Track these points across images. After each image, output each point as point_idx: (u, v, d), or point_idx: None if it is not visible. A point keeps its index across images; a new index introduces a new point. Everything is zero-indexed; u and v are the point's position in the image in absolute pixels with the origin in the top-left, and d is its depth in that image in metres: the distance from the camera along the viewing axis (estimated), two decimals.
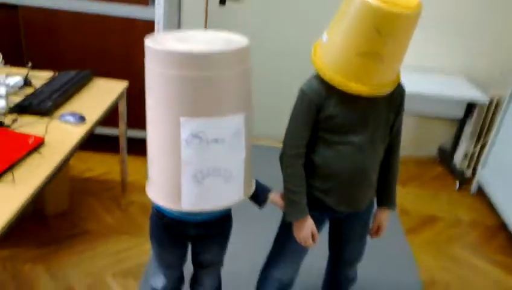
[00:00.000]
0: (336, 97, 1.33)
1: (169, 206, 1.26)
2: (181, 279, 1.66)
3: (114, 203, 2.47)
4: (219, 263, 1.59)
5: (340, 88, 1.29)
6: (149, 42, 1.17)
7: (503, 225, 2.57)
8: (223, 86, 1.16)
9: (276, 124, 3.21)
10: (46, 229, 2.24)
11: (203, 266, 1.57)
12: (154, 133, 1.25)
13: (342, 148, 1.39)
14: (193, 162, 1.20)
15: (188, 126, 1.16)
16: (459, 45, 3.01)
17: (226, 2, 2.96)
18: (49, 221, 2.30)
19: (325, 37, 1.34)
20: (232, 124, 1.20)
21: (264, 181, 1.47)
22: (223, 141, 1.19)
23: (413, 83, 2.88)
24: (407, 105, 3.22)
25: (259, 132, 3.17)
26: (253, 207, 1.49)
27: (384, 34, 1.19)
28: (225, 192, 1.25)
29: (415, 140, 3.32)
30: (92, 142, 2.68)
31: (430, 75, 3.03)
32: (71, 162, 2.71)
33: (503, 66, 2.96)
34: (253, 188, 1.35)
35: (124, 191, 2.41)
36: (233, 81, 1.18)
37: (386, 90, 1.32)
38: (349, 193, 1.46)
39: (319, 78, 1.34)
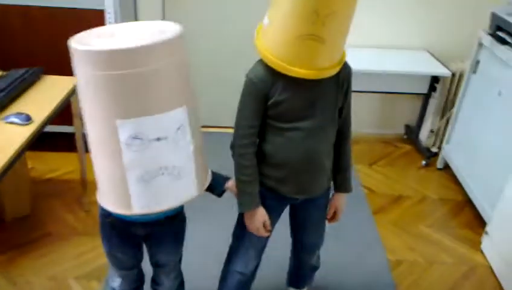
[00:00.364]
0: (282, 82, 1.30)
1: (119, 212, 1.21)
2: (139, 279, 1.62)
3: (76, 204, 2.41)
4: (176, 262, 1.56)
5: (284, 72, 1.25)
6: (72, 42, 1.10)
7: (469, 200, 2.60)
8: (156, 81, 1.10)
9: (226, 111, 3.20)
10: (5, 234, 2.18)
11: (160, 265, 1.54)
12: (93, 138, 1.19)
13: (292, 135, 1.36)
14: (137, 165, 1.15)
15: (125, 128, 1.10)
16: (419, 20, 3.00)
17: None
18: (9, 226, 2.23)
19: (266, 20, 1.30)
20: (174, 119, 1.14)
21: (217, 169, 1.43)
22: (166, 138, 1.14)
23: (376, 61, 2.89)
24: (372, 84, 3.24)
25: (210, 120, 3.18)
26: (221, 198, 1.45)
27: (322, 14, 1.16)
28: (177, 190, 1.20)
29: (381, 119, 3.33)
30: (53, 141, 2.60)
31: (392, 52, 3.02)
32: (32, 164, 2.64)
33: (464, 39, 2.96)
34: (207, 181, 1.31)
35: (85, 191, 2.35)
36: (167, 75, 1.11)
37: (331, 72, 1.29)
38: (302, 180, 1.44)
39: (263, 64, 1.31)
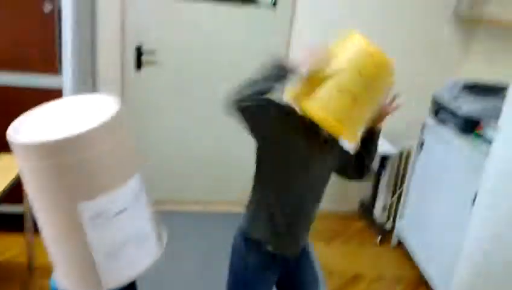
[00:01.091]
0: (299, 130, 1.39)
1: None
2: None
3: None
4: None
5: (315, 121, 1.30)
6: (10, 133, 1.09)
7: (424, 279, 2.62)
8: (108, 160, 1.12)
9: (182, 185, 3.22)
10: None
11: None
12: (50, 225, 1.17)
13: (293, 188, 1.45)
14: (103, 242, 1.15)
15: (87, 210, 1.11)
16: None
17: (142, 67, 2.96)
18: None
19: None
20: (130, 190, 1.17)
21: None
22: (125, 209, 1.16)
23: None
24: None
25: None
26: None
27: (364, 75, 1.27)
28: (142, 255, 1.22)
29: (336, 196, 3.39)
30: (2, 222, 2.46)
31: None
32: None
33: (410, 119, 3.15)
34: (165, 238, 1.32)
35: (32, 277, 2.20)
36: (116, 152, 1.14)
37: (348, 136, 1.36)
38: (296, 233, 1.52)
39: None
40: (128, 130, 1.21)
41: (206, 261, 2.62)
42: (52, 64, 2.42)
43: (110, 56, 2.88)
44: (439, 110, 2.68)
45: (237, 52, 3.00)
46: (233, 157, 3.23)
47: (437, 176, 2.60)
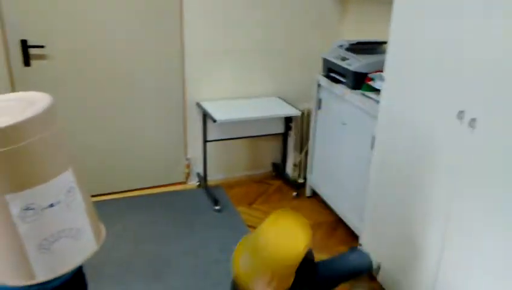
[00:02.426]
0: None
1: (22, 283, 1.18)
2: None
3: None
4: None
5: None
6: None
7: (340, 220, 2.96)
8: (38, 152, 1.13)
9: (111, 176, 3.21)
10: None
11: None
12: None
13: None
14: (34, 234, 1.15)
15: (15, 202, 1.11)
16: (269, 70, 3.41)
17: (31, 62, 2.81)
18: None
19: None
20: (62, 183, 1.18)
21: None
22: (58, 202, 1.17)
23: (238, 110, 3.17)
24: (238, 131, 3.50)
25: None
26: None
27: None
28: (77, 249, 1.23)
29: (251, 161, 3.61)
30: None
31: (250, 101, 3.35)
32: None
33: (307, 82, 3.44)
34: (103, 233, 1.35)
35: None
36: (46, 144, 1.15)
37: None
38: None
39: None
40: (60, 125, 1.22)
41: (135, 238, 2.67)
42: None
43: None
44: (330, 70, 2.97)
45: (129, 39, 3.00)
46: (142, 142, 3.25)
47: (337, 128, 2.91)
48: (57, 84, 2.90)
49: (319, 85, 3.07)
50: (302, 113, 3.31)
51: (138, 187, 3.32)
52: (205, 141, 3.19)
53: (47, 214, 1.15)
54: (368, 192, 2.48)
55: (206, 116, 3.12)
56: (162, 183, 3.40)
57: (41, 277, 1.19)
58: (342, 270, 2.15)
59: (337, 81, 2.88)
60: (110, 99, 3.07)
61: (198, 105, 3.22)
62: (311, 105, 3.24)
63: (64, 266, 1.22)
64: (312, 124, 3.21)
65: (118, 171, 3.24)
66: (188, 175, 3.47)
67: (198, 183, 3.45)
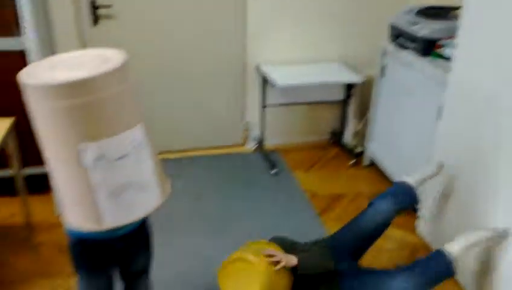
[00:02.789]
0: None
1: (94, 229, 1.27)
2: None
3: (23, 247, 2.31)
4: (148, 270, 1.63)
5: None
6: (23, 77, 1.15)
7: None
8: (112, 105, 1.19)
9: (172, 136, 3.30)
10: None
11: (136, 274, 1.59)
12: (56, 165, 1.24)
13: None
14: (104, 183, 1.22)
15: (89, 151, 1.18)
16: (332, 35, 3.32)
17: (100, 21, 2.91)
18: None
19: None
20: (132, 137, 1.24)
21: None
22: (127, 156, 1.23)
23: (299, 75, 3.13)
24: (297, 96, 3.47)
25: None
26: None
27: None
28: (143, 201, 1.30)
29: (309, 127, 3.58)
30: None
31: (310, 66, 3.29)
32: None
33: (371, 48, 3.32)
34: (168, 188, 1.40)
35: (31, 233, 2.25)
36: (121, 98, 1.21)
37: None
38: None
39: None
40: (131, 81, 1.27)
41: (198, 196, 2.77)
42: (9, 27, 2.36)
43: (65, 13, 2.81)
44: (397, 36, 2.85)
45: (193, 2, 3.01)
46: (201, 105, 3.31)
47: (401, 97, 2.81)
48: (122, 44, 2.97)
49: (384, 51, 2.96)
50: (365, 80, 3.22)
51: (197, 147, 3.41)
52: (263, 106, 3.19)
53: (117, 165, 1.21)
54: (432, 162, 2.39)
55: (265, 81, 3.11)
56: (220, 145, 3.46)
57: (109, 223, 1.26)
58: None
59: (404, 48, 2.76)
60: (172, 61, 3.13)
61: (258, 69, 3.21)
62: (375, 72, 3.14)
63: (131, 216, 1.29)
64: (374, 92, 3.12)
65: (178, 131, 3.33)
66: (245, 138, 3.51)
67: (255, 147, 3.48)
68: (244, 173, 3.14)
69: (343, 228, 2.06)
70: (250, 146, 3.51)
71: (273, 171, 3.12)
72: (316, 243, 1.99)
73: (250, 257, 1.69)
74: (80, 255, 1.45)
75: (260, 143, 3.37)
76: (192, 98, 3.28)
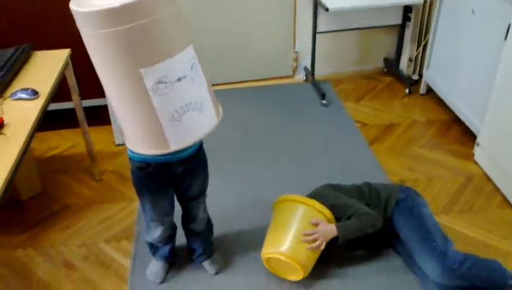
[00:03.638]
0: None
1: (159, 152, 1.32)
2: (174, 225, 1.73)
3: (86, 176, 2.45)
4: (205, 191, 1.69)
5: None
6: (75, 6, 1.15)
7: (455, 118, 2.77)
8: (168, 26, 1.18)
9: (220, 68, 3.27)
10: (26, 213, 2.22)
11: (194, 198, 1.65)
12: (117, 93, 1.27)
13: None
14: (166, 106, 1.25)
15: (150, 75, 1.19)
16: None
17: None
18: (27, 205, 2.26)
19: None
20: (187, 58, 1.24)
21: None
22: (185, 76, 1.24)
23: None
24: (349, 21, 3.30)
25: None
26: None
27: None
28: (202, 121, 1.33)
29: (361, 55, 3.43)
30: (44, 120, 2.61)
31: None
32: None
33: None
34: (221, 110, 1.42)
35: (93, 162, 2.38)
36: (174, 19, 1.20)
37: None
38: None
39: None
40: (179, 3, 1.24)
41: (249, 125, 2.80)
42: None
43: None
44: None
45: None
46: (250, 36, 3.23)
47: (464, 18, 2.59)
48: None
49: None
50: (425, 1, 2.99)
51: (246, 79, 3.38)
52: (315, 32, 3.07)
53: (176, 87, 1.23)
54: (495, 86, 2.24)
55: (317, 5, 2.96)
56: (269, 77, 3.41)
57: (174, 146, 1.30)
58: None
59: None
60: None
61: None
62: None
63: (192, 137, 1.32)
64: (435, 14, 2.90)
65: (227, 62, 3.29)
66: (295, 68, 3.43)
67: (305, 78, 3.40)
68: (293, 103, 3.10)
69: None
70: (300, 76, 3.43)
71: (323, 102, 3.05)
72: (362, 192, 1.92)
73: (288, 253, 1.69)
74: (143, 179, 1.52)
75: (310, 73, 3.28)
76: (241, 27, 3.20)
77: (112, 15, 1.11)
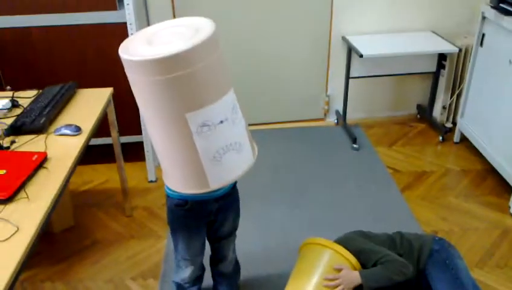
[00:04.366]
0: None
1: (200, 191, 1.35)
2: (203, 266, 1.73)
3: (118, 211, 2.49)
4: (236, 230, 1.71)
5: None
6: (124, 53, 1.21)
7: (491, 168, 2.70)
8: (212, 72, 1.23)
9: (253, 109, 3.33)
10: (57, 246, 2.26)
11: (224, 237, 1.67)
12: (161, 135, 1.32)
13: None
14: (209, 148, 1.29)
15: (194, 119, 1.24)
16: (420, 2, 3.11)
17: None
18: (59, 238, 2.31)
19: None
20: (228, 101, 1.29)
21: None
22: (226, 119, 1.29)
23: (386, 45, 3.00)
24: (384, 68, 3.34)
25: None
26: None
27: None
28: (241, 161, 1.37)
29: (394, 101, 3.43)
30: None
31: (399, 36, 3.13)
32: None
33: (465, 16, 3.08)
34: (256, 150, 1.47)
35: (125, 197, 2.42)
36: (217, 65, 1.25)
37: None
38: None
39: None
40: (221, 48, 1.30)
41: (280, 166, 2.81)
42: (112, 2, 2.48)
43: None
44: (499, 0, 2.60)
45: None
46: (284, 78, 3.29)
47: (501, 68, 2.58)
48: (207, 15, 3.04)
49: (483, 18, 2.72)
50: (460, 50, 3.00)
51: (277, 121, 3.41)
52: (348, 77, 3.10)
53: (218, 129, 1.27)
54: None
55: (351, 51, 3.01)
56: (300, 119, 3.44)
57: (214, 185, 1.35)
58: None
59: (508, 13, 2.51)
60: (256, 29, 3.13)
61: (344, 39, 3.11)
62: (471, 41, 2.91)
63: (231, 176, 1.36)
64: (470, 63, 2.90)
65: (259, 103, 3.35)
66: (326, 112, 3.45)
67: (336, 121, 3.42)
68: (324, 146, 3.10)
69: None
70: (331, 120, 3.45)
71: (354, 146, 3.04)
72: (393, 241, 1.87)
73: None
74: (180, 216, 1.54)
75: (342, 117, 3.30)
76: (275, 69, 3.26)
77: (162, 64, 1.16)
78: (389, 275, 1.68)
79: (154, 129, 1.32)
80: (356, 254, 1.74)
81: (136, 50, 1.21)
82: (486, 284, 1.96)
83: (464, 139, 3.04)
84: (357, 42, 2.97)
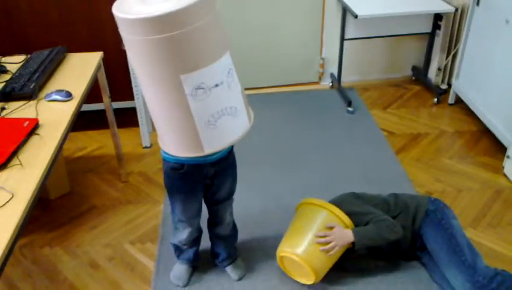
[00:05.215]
0: None
1: (194, 155, 1.34)
2: (200, 228, 1.75)
3: (113, 176, 2.48)
4: (233, 194, 1.71)
5: None
6: (117, 12, 1.17)
7: (485, 129, 2.71)
8: (207, 34, 1.20)
9: (247, 73, 3.29)
10: (54, 212, 2.26)
11: (221, 201, 1.67)
12: (156, 97, 1.29)
13: None
14: (203, 111, 1.27)
15: (189, 81, 1.21)
16: None
17: None
18: (55, 204, 2.31)
19: None
20: (224, 65, 1.26)
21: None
22: (221, 83, 1.26)
23: (381, 5, 2.93)
24: (378, 29, 3.29)
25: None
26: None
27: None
28: (236, 126, 1.35)
29: (388, 63, 3.40)
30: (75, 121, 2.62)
31: None
32: None
33: None
34: (252, 115, 1.45)
35: (120, 163, 2.41)
36: (214, 26, 1.21)
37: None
38: None
39: None
40: (218, 8, 1.25)
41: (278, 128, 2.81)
42: None
43: None
44: None
45: None
46: (269, 44, 3.23)
47: (497, 28, 2.54)
48: None
49: None
50: (456, 10, 2.94)
51: (272, 84, 3.38)
52: (343, 39, 3.05)
53: (213, 93, 1.25)
54: None
55: (345, 12, 2.95)
56: (295, 82, 3.41)
57: (208, 149, 1.33)
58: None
59: None
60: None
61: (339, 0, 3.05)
62: (467, 0, 2.86)
63: (226, 141, 1.35)
64: (466, 23, 2.85)
65: (253, 67, 3.30)
66: (321, 75, 3.42)
67: (331, 84, 3.39)
68: (319, 110, 3.08)
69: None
70: (326, 83, 3.41)
71: (349, 109, 3.03)
72: (387, 203, 1.88)
73: (300, 255, 1.69)
74: (176, 180, 1.54)
75: (336, 79, 3.27)
76: (269, 33, 3.20)
77: (157, 22, 1.13)
78: (381, 234, 1.71)
79: (149, 92, 1.30)
80: (349, 214, 1.77)
81: (130, 8, 1.17)
82: (479, 243, 1.99)
83: (458, 100, 3.03)
84: (352, 2, 2.91)
